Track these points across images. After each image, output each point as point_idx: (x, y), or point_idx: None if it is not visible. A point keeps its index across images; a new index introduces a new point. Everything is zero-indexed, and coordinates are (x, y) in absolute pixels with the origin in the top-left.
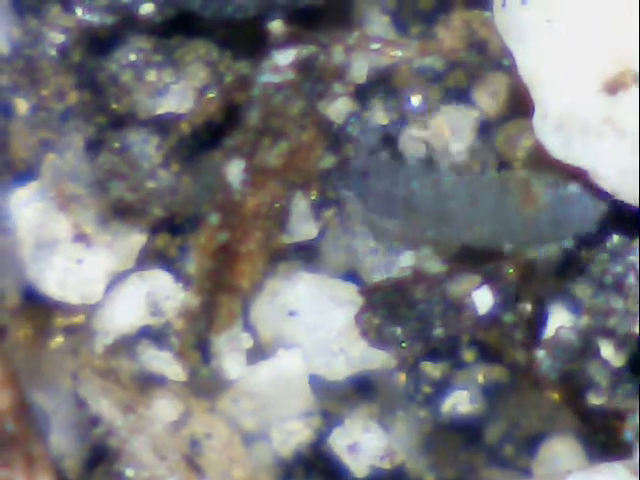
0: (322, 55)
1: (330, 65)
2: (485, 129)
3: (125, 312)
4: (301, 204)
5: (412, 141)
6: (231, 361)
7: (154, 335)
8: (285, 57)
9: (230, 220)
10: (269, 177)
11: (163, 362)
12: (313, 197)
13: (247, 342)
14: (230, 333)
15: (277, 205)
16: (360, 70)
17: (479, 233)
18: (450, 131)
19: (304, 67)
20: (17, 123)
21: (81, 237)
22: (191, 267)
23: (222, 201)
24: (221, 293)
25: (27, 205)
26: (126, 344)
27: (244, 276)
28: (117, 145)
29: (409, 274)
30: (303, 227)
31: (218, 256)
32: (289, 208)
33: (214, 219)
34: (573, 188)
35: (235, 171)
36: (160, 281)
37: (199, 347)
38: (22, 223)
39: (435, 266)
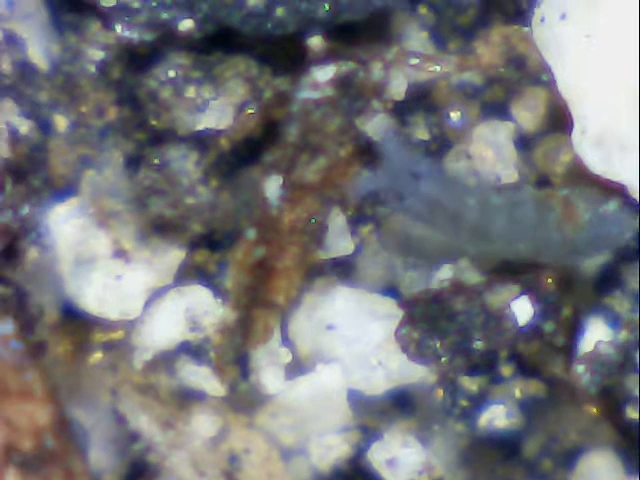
0: (361, 71)
1: (369, 81)
2: (524, 144)
3: (164, 328)
4: (338, 220)
5: (456, 158)
6: (270, 376)
7: (193, 350)
8: (324, 73)
9: (267, 235)
10: (306, 193)
11: (202, 377)
12: (350, 213)
13: (286, 357)
14: (269, 348)
15: (314, 221)
16: (399, 87)
17: (519, 250)
18: (492, 151)
19: (343, 83)
20: (56, 140)
21: (120, 253)
22: (228, 282)
23: (259, 216)
24: (257, 308)
25: (66, 221)
26: (165, 360)
27: (280, 291)
28: (156, 161)
29: (448, 286)
30: (340, 243)
31: (255, 271)
32: (326, 224)
33: (251, 234)
34: (612, 205)
35: (273, 187)
36: (199, 296)
37: (238, 362)
38: (61, 239)
39: (474, 277)
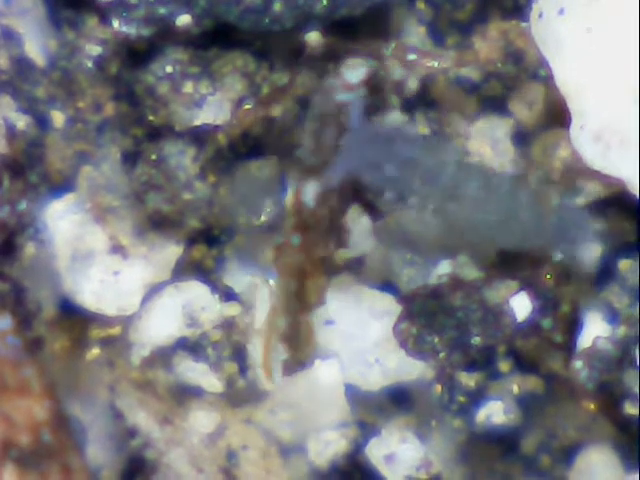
0: (381, 70)
1: (389, 80)
2: (522, 140)
3: (161, 323)
4: (363, 220)
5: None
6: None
7: (190, 346)
8: (356, 74)
9: (304, 239)
10: (333, 194)
11: (199, 374)
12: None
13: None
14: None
15: (338, 221)
16: (413, 84)
17: (486, 219)
18: (490, 146)
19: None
20: (53, 135)
21: (117, 249)
22: (276, 289)
23: (298, 221)
24: (303, 312)
25: (63, 217)
26: (162, 356)
27: (313, 293)
28: (154, 157)
29: (446, 281)
30: (363, 242)
31: (298, 276)
32: (349, 224)
33: (296, 240)
34: (579, 200)
35: (311, 191)
36: (196, 292)
37: (235, 358)
38: (58, 235)
39: (472, 273)
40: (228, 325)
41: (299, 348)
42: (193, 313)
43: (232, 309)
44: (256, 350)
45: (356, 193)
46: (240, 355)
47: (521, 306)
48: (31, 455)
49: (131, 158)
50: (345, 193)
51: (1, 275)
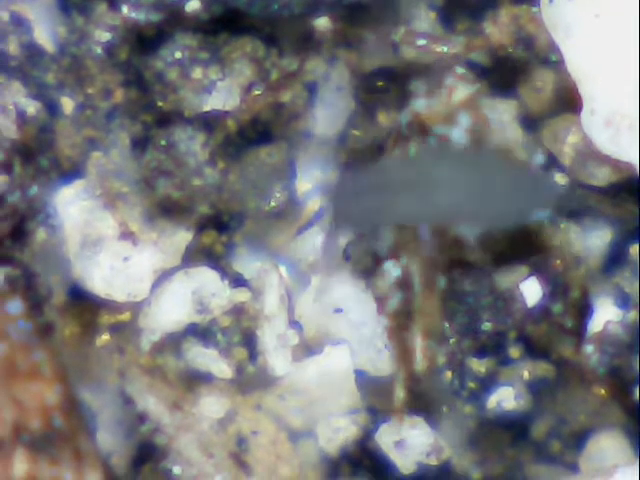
0: None
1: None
2: (532, 125)
3: (171, 309)
4: None
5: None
6: (277, 358)
7: (200, 332)
8: None
9: None
10: None
11: (209, 359)
12: None
13: (293, 339)
14: (276, 330)
15: None
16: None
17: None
18: (494, 127)
19: None
20: (63, 122)
21: (127, 235)
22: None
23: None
24: None
25: (73, 203)
26: (172, 342)
27: None
28: (163, 143)
29: (457, 267)
30: None
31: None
32: None
33: (442, 282)
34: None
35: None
36: (206, 278)
37: (245, 344)
38: (68, 221)
39: (482, 258)
40: (238, 311)
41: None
42: (203, 299)
43: (242, 295)
44: (265, 336)
45: None
46: (250, 341)
47: (531, 291)
48: (42, 439)
49: (140, 144)
50: None
51: (12, 260)
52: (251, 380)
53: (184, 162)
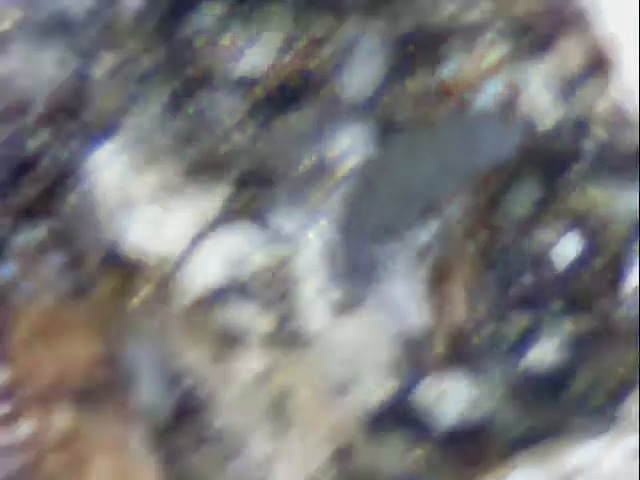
0: None
1: None
2: (562, 89)
3: (210, 265)
4: None
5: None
6: (317, 314)
7: (239, 288)
8: None
9: None
10: None
11: (248, 315)
12: None
13: (333, 295)
14: (316, 285)
15: None
16: None
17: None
18: (530, 91)
19: None
20: (97, 83)
21: (160, 196)
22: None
23: None
24: None
25: (108, 162)
26: (211, 297)
27: None
28: (192, 109)
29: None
30: None
31: None
32: None
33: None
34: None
35: None
36: (245, 235)
37: (284, 301)
38: (101, 183)
39: (521, 212)
40: (277, 267)
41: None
42: (242, 255)
43: (281, 251)
44: (305, 292)
45: None
46: (289, 297)
47: (571, 246)
48: (85, 393)
49: (170, 111)
50: None
51: (51, 215)
52: (290, 336)
53: (213, 128)
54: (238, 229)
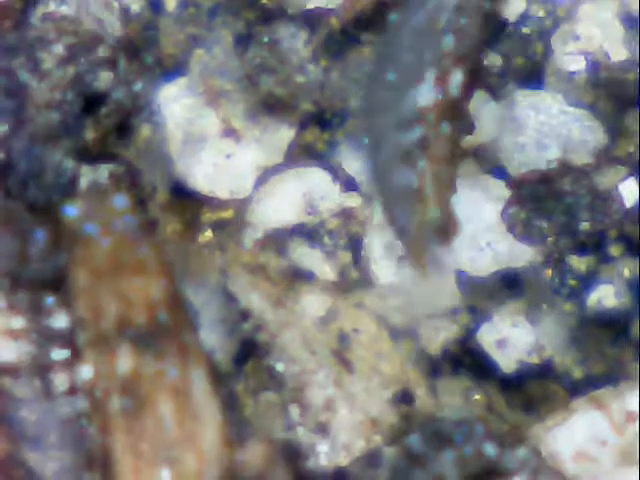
0: None
1: None
2: (632, 23)
3: (279, 208)
4: (490, 106)
5: (564, 39)
6: (382, 267)
7: (307, 233)
8: None
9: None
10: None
11: (314, 260)
12: None
13: (400, 249)
14: (383, 239)
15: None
16: None
17: None
18: (599, 29)
19: None
20: (166, 19)
21: (230, 132)
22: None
23: (446, 110)
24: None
25: (176, 101)
26: (277, 240)
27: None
28: (266, 40)
29: (556, 166)
30: (489, 128)
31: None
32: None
33: (446, 129)
34: None
35: (457, 79)
36: (318, 179)
37: (351, 248)
38: (171, 119)
39: (582, 158)
40: (347, 215)
41: (449, 238)
42: (313, 201)
43: (352, 200)
44: (373, 244)
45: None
46: (356, 246)
47: (629, 192)
48: (147, 335)
49: (243, 41)
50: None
51: (117, 156)
52: (353, 283)
53: (287, 59)
54: (311, 174)
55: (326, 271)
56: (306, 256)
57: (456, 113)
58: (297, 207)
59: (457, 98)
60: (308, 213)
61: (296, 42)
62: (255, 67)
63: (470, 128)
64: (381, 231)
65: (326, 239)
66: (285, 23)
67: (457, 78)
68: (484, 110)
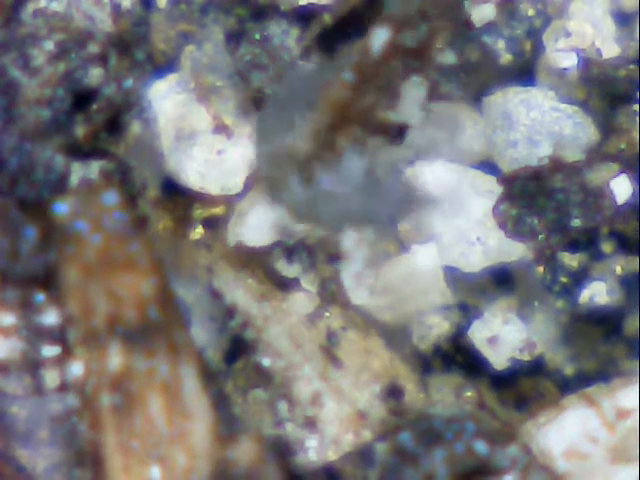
0: None
1: None
2: (624, 19)
3: (256, 227)
4: (418, 91)
5: (555, 35)
6: (356, 292)
7: (284, 249)
8: None
9: (364, 86)
10: (403, 55)
11: (294, 274)
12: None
13: (371, 280)
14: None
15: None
16: None
17: None
18: (590, 25)
19: None
20: (157, 15)
21: (221, 128)
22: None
23: (359, 62)
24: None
25: (167, 97)
26: (257, 253)
27: (348, 137)
28: (257, 36)
29: (547, 163)
30: (412, 112)
31: (337, 112)
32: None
33: (348, 76)
34: None
35: (382, 38)
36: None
37: (331, 261)
38: (162, 115)
39: (574, 154)
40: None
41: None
42: (288, 222)
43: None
44: (344, 271)
45: (424, 64)
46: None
47: (621, 189)
48: (138, 331)
49: (235, 38)
50: (414, 57)
51: (107, 152)
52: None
53: (278, 56)
54: None
55: (307, 284)
56: (285, 270)
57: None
58: (272, 228)
59: (377, 57)
60: (283, 234)
61: (288, 39)
62: (246, 63)
63: (393, 104)
64: (351, 262)
65: (304, 256)
66: (277, 19)
67: (382, 36)
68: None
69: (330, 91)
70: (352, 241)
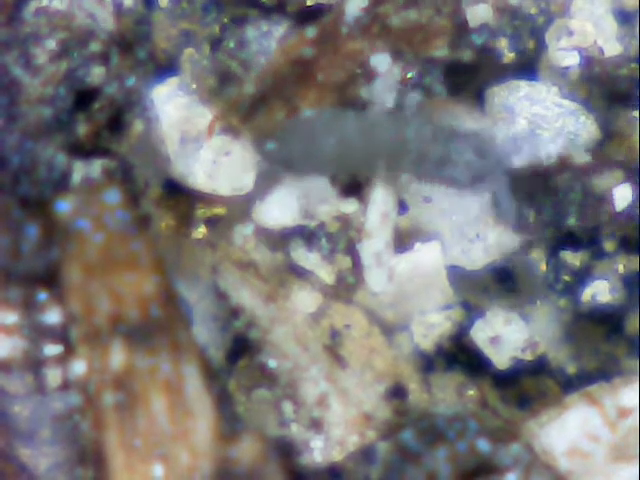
0: None
1: None
2: (625, 18)
3: (277, 209)
4: (393, 73)
5: (558, 34)
6: (374, 275)
7: (305, 235)
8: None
9: (325, 47)
10: (382, 33)
11: (312, 263)
12: (409, 76)
13: (391, 259)
14: (373, 248)
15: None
16: None
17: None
18: (592, 24)
19: None
20: (159, 14)
21: (227, 129)
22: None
23: (327, 23)
24: (277, 99)
25: (170, 99)
26: (275, 240)
27: (307, 99)
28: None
29: (555, 162)
30: (384, 94)
31: (294, 66)
32: (377, 71)
33: (311, 32)
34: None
35: (355, 6)
36: (315, 184)
37: (348, 253)
38: (166, 118)
39: (583, 157)
40: (344, 220)
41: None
42: (310, 204)
43: (349, 206)
44: (364, 250)
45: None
46: (353, 251)
47: (622, 197)
48: (140, 330)
49: (234, 38)
50: (390, 35)
51: (109, 151)
52: (350, 288)
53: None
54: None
55: (324, 275)
56: (304, 259)
57: (344, 42)
58: (294, 209)
59: (348, 24)
60: (305, 216)
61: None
62: (243, 64)
63: (360, 81)
64: (372, 242)
65: (324, 242)
66: (282, 20)
67: (355, 5)
68: (388, 74)
69: (287, 42)
70: (376, 215)
